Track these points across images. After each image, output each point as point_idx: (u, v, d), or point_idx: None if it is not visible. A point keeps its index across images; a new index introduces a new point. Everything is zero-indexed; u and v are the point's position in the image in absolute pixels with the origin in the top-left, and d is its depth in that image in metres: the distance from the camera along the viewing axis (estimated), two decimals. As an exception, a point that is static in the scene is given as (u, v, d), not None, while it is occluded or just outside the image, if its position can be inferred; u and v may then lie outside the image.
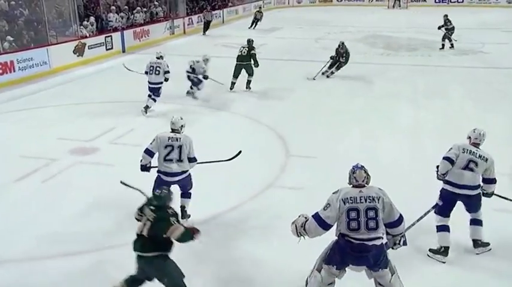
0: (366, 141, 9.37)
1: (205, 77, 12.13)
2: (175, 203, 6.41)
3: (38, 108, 11.42)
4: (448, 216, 5.68)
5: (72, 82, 14.06)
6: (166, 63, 11.04)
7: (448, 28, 19.45)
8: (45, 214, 6.52)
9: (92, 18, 18.18)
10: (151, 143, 6.11)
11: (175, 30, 23.01)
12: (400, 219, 4.37)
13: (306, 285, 4.59)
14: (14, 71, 13.36)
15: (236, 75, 13.09)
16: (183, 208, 6.39)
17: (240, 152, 6.92)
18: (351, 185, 4.41)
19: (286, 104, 11.76)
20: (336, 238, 4.35)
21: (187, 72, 12.14)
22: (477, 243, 5.69)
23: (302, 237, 4.44)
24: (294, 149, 8.99)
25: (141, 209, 4.57)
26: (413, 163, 8.15)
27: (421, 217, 5.43)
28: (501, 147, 8.56)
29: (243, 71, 13.17)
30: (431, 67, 16.73)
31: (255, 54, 13.24)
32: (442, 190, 5.76)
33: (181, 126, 6.30)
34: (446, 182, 5.69)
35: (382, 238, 4.27)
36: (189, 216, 6.37)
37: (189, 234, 4.37)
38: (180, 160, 6.09)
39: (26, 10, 15.60)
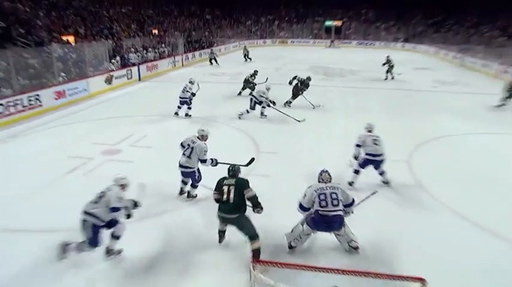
0: (314, 145, 9.47)
1: (273, 103, 11.63)
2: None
3: (80, 122, 11.27)
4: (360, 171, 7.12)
5: (104, 103, 13.86)
6: (190, 86, 11.63)
7: (390, 65, 19.11)
8: (87, 196, 6.46)
9: (118, 57, 18.03)
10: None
11: (176, 64, 22.84)
12: (353, 201, 5.00)
13: (291, 232, 5.08)
14: (65, 97, 13.26)
15: (241, 91, 14.67)
16: (188, 193, 6.58)
17: (253, 159, 6.93)
18: (319, 182, 5.01)
19: (257, 116, 11.82)
20: (312, 215, 4.84)
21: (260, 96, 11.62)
22: (385, 182, 7.17)
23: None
24: (263, 147, 9.11)
25: (219, 186, 4.99)
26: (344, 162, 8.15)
27: (364, 200, 5.50)
28: (401, 142, 9.26)
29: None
30: (357, 89, 17.01)
31: (249, 80, 14.61)
32: (364, 159, 7.00)
33: (202, 136, 6.39)
34: (367, 154, 6.97)
35: (342, 210, 4.85)
36: (196, 195, 6.60)
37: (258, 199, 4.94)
38: (188, 157, 6.18)
39: (73, 54, 15.73)
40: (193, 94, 11.63)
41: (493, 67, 21.42)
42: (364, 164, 7.01)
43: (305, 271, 3.96)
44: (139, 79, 18.21)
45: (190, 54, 25.29)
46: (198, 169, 6.39)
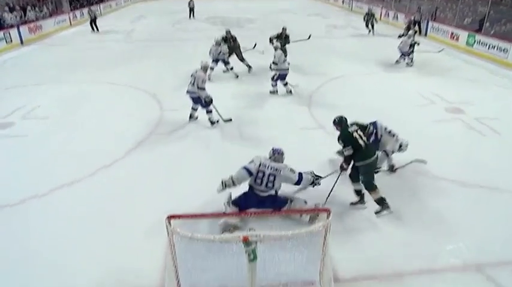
0: (217, 91, 9.01)
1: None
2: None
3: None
4: None
5: (-20, 73, 12.06)
6: (215, 46, 10.65)
7: (370, 17, 17.31)
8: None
9: (-11, 18, 15.68)
10: None
11: (62, 24, 20.51)
12: (300, 179, 4.60)
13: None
14: None
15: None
16: (208, 119, 7.67)
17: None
18: (269, 157, 4.65)
19: (156, 73, 11.34)
20: (245, 190, 4.65)
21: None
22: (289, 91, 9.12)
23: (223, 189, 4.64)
24: (165, 105, 8.82)
25: (349, 138, 4.78)
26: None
27: (328, 175, 5.29)
28: (300, 87, 9.29)
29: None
30: (255, 37, 16.87)
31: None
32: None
33: (205, 67, 7.47)
34: (277, 70, 9.03)
35: (276, 194, 4.62)
36: (218, 121, 7.73)
37: None
38: (193, 84, 7.37)
39: None
40: (225, 54, 10.74)
41: (377, 11, 22.78)
42: (278, 78, 9.20)
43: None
44: (22, 43, 16.12)
45: (78, 12, 22.95)
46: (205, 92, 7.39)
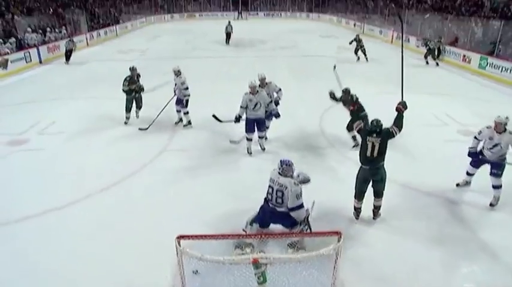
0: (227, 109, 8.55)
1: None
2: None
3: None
4: None
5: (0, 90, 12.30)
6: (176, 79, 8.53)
7: (359, 45, 16.30)
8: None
9: (12, 39, 16.02)
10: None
11: (78, 44, 20.72)
12: (297, 207, 4.35)
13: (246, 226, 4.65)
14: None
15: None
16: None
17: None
18: (278, 168, 4.46)
19: (168, 90, 11.37)
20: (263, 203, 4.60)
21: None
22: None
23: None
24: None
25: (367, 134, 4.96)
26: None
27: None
28: (311, 106, 9.81)
29: None
30: (266, 57, 17.17)
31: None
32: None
33: (263, 79, 7.60)
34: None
35: (288, 211, 4.39)
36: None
37: None
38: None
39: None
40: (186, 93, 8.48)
41: (389, 34, 22.83)
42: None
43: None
44: (41, 62, 16.47)
45: (94, 33, 23.47)
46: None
